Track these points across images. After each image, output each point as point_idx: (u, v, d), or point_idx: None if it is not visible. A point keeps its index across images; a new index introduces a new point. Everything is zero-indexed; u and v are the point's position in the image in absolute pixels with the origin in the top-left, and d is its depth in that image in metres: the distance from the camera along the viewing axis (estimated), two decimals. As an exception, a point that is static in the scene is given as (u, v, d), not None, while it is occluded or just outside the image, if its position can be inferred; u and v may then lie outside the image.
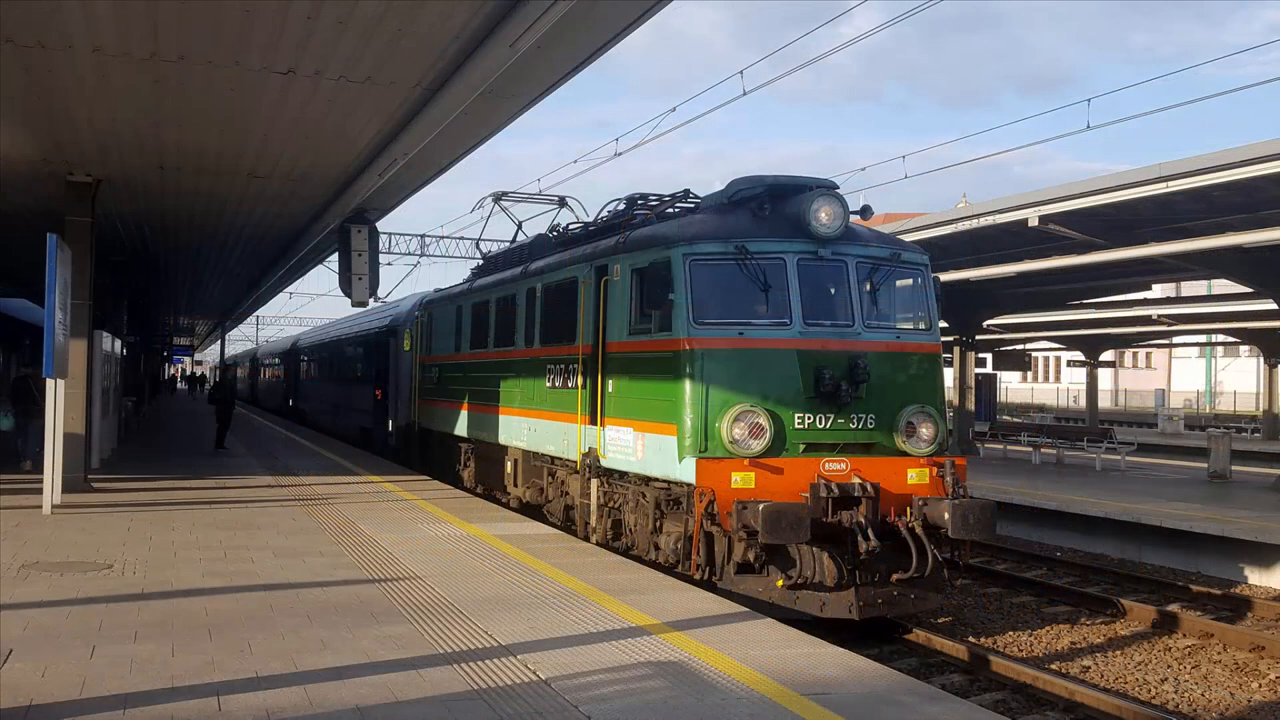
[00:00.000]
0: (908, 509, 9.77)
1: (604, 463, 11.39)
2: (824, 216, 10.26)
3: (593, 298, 11.75)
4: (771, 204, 10.48)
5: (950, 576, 11.29)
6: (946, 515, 9.51)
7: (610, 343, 11.30)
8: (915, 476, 9.99)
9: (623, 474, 11.20)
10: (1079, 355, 43.60)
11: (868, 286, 10.47)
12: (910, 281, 10.94)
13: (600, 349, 11.48)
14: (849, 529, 9.40)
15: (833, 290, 10.43)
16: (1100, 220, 18.69)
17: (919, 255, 11.04)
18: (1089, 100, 15.38)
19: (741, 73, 15.09)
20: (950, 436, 13.25)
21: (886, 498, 9.71)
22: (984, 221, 19.47)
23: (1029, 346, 46.72)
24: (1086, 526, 16.41)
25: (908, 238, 15.39)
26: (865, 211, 10.85)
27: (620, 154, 25.08)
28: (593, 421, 11.63)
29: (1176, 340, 50.47)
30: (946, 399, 12.59)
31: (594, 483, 11.82)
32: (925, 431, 10.21)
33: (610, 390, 11.26)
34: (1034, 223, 18.42)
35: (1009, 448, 28.28)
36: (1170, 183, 15.79)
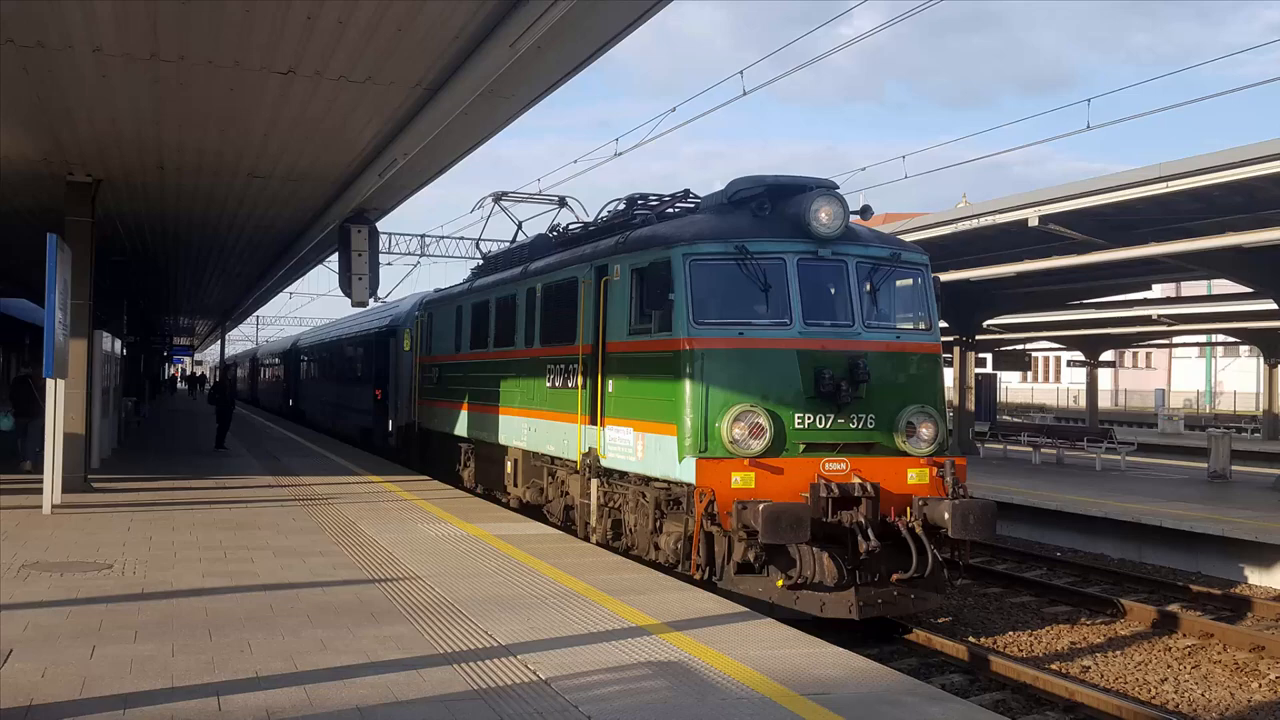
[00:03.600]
0: (908, 509, 9.78)
1: (604, 463, 11.39)
2: (824, 216, 10.26)
3: (593, 298, 11.75)
4: (771, 204, 10.48)
5: (950, 576, 11.27)
6: (946, 515, 9.52)
7: (610, 343, 11.30)
8: (915, 476, 10.00)
9: (623, 474, 11.20)
10: (1079, 355, 43.57)
11: (868, 286, 10.47)
12: (910, 281, 10.95)
13: (600, 349, 11.47)
14: (849, 529, 9.41)
15: (833, 290, 10.43)
16: (1100, 220, 18.68)
17: (919, 255, 11.04)
18: (1089, 100, 15.42)
19: (741, 73, 15.13)
20: (950, 436, 13.23)
21: (886, 498, 9.71)
22: (984, 221, 19.45)
23: (1029, 346, 46.71)
24: (1086, 526, 16.41)
25: (908, 238, 15.39)
26: (865, 211, 10.86)
27: (620, 154, 25.17)
28: (593, 421, 11.63)
29: (1176, 340, 50.46)
30: (946, 399, 12.58)
31: (594, 483, 11.82)
32: (925, 431, 10.22)
33: (610, 390, 11.26)
34: (1034, 223, 18.40)
35: (1009, 448, 28.28)
36: (1170, 183, 15.77)
